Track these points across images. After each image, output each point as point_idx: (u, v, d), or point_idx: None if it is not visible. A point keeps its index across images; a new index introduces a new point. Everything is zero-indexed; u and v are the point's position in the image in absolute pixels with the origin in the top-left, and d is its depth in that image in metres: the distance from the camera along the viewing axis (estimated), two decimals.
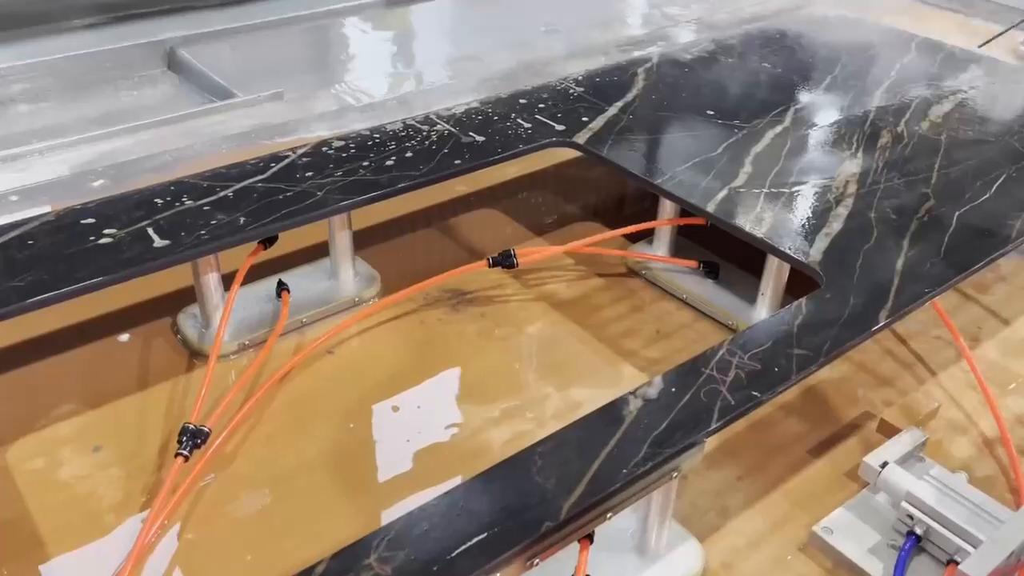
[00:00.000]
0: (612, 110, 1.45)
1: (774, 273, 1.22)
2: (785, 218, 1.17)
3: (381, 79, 2.07)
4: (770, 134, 1.39)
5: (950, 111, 1.51)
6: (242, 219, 1.12)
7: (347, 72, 2.21)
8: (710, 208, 1.19)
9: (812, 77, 1.62)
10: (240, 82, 2.02)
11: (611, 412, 0.85)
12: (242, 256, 1.16)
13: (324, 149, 1.30)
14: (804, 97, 1.54)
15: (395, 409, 1.12)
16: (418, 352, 1.21)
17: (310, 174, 1.23)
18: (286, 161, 1.26)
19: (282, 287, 1.25)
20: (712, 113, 1.45)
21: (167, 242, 1.06)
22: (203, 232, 1.08)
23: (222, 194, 1.17)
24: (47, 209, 1.14)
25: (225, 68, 2.14)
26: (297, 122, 1.82)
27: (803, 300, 1.01)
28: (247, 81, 2.02)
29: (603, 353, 1.22)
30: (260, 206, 1.15)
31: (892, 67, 1.67)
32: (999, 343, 1.28)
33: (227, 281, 1.17)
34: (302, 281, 1.29)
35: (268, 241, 1.18)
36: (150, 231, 1.08)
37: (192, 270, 1.15)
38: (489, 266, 1.29)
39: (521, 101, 1.47)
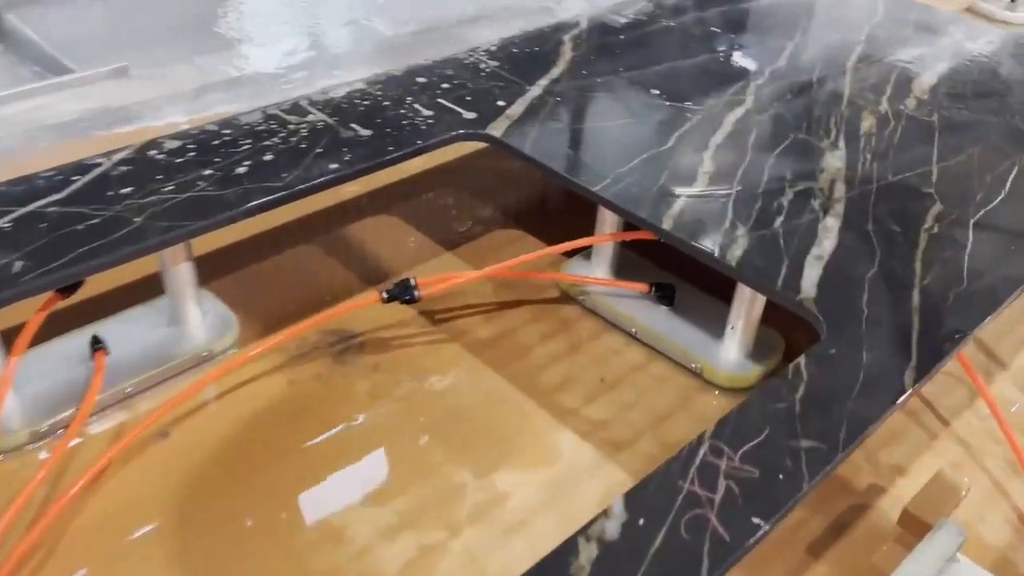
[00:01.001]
0: (534, 90, 1.15)
1: (747, 301, 0.95)
2: (763, 236, 0.90)
3: (258, 49, 1.72)
4: (731, 119, 1.12)
5: (935, 84, 1.26)
6: (18, 264, 0.79)
7: (217, 42, 1.84)
8: (666, 224, 0.91)
9: (773, 44, 1.35)
10: (84, 55, 1.64)
11: (553, 571, 0.57)
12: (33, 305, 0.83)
13: (152, 153, 0.97)
14: (766, 69, 1.27)
15: (249, 517, 0.81)
16: (287, 426, 0.91)
17: (128, 190, 0.90)
18: (96, 172, 0.92)
19: (97, 344, 0.92)
20: (658, 93, 1.17)
21: None
22: None
23: None
24: None
25: (65, 37, 1.75)
26: (143, 105, 1.46)
27: (802, 361, 0.75)
28: (94, 54, 1.64)
29: (535, 415, 0.94)
30: (48, 243, 0.82)
31: (861, 30, 1.41)
32: (1019, 376, 1.05)
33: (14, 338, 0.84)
34: (127, 332, 0.96)
35: (69, 288, 0.85)
36: None
37: None
38: (384, 301, 0.99)
39: (419, 80, 1.16)
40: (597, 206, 1.06)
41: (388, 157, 0.99)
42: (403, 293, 0.99)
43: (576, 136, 1.06)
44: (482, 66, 1.21)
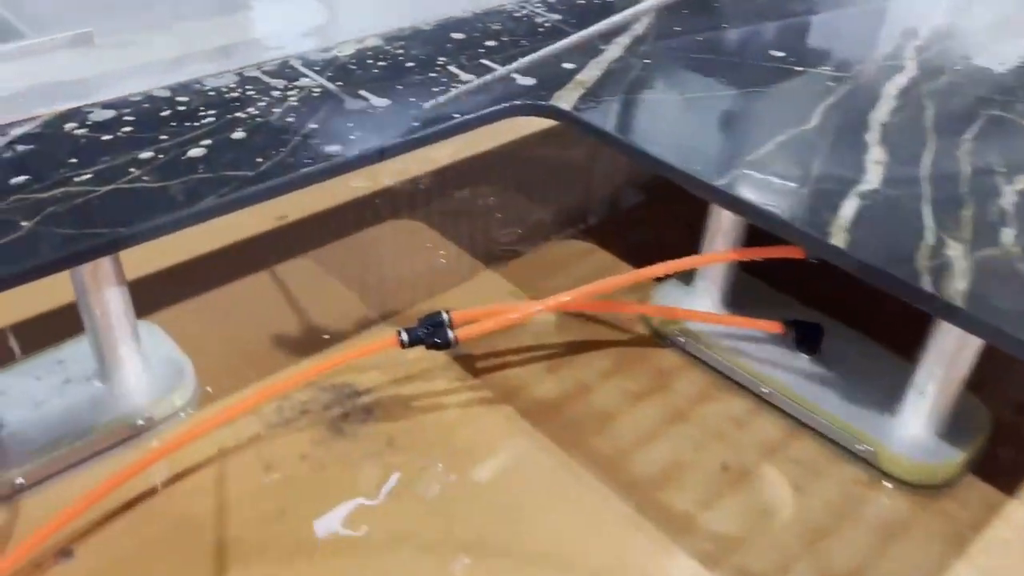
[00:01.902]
0: (611, 50, 0.84)
1: (949, 353, 0.64)
2: (991, 258, 0.58)
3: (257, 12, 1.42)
4: (890, 89, 0.80)
5: None
6: None
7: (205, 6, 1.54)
8: (836, 239, 0.59)
9: None
10: (48, 21, 1.35)
11: None
12: None
13: (68, 127, 0.66)
14: (922, 25, 0.94)
15: None
16: (256, 540, 0.60)
17: (20, 180, 0.59)
18: None
19: None
20: (782, 55, 0.85)
21: None
22: None
23: None
24: None
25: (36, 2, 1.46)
26: (106, 78, 1.16)
27: None
28: (61, 20, 1.35)
29: (628, 525, 0.62)
30: None
31: None
32: None
33: None
34: (22, 390, 0.66)
35: None
36: None
37: None
38: (403, 344, 0.68)
39: (455, 36, 0.85)
40: (708, 210, 0.74)
41: (412, 137, 0.68)
42: (432, 334, 0.68)
43: (679, 111, 0.75)
44: (539, 19, 0.90)
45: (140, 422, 0.65)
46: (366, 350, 0.69)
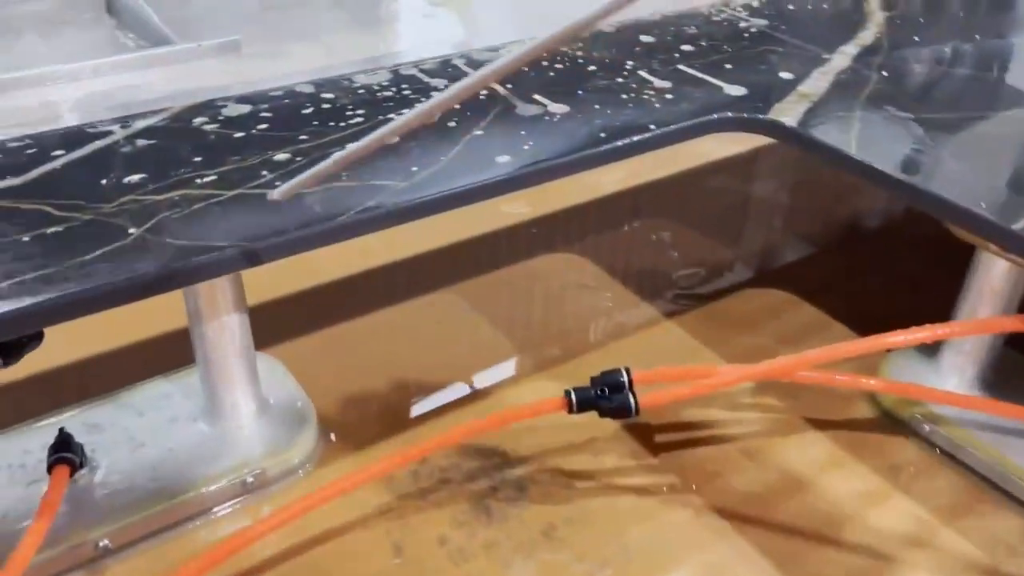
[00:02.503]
0: (837, 59, 0.68)
1: None
2: None
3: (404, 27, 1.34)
4: None
5: None
6: None
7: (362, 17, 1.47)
8: None
9: None
10: (200, 31, 1.32)
11: None
12: None
13: (197, 121, 0.56)
14: None
15: None
16: None
17: (136, 179, 0.49)
18: (94, 145, 0.53)
19: (61, 452, 0.51)
20: None
21: None
22: None
23: None
24: None
25: (189, 15, 1.44)
26: (248, 85, 1.09)
27: None
28: (213, 30, 1.31)
29: None
30: None
31: None
32: None
33: None
34: (118, 431, 0.55)
35: (8, 347, 0.45)
36: None
37: None
38: (572, 410, 0.54)
39: (644, 39, 0.72)
40: (972, 262, 0.57)
41: (599, 149, 0.55)
42: (607, 397, 0.54)
43: (938, 133, 0.58)
44: (742, 24, 0.75)
45: (250, 479, 0.54)
46: (525, 412, 0.55)
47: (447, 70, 0.65)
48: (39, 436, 0.55)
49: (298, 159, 0.52)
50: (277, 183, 0.50)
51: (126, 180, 0.49)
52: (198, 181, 0.50)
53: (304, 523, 0.52)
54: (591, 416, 0.57)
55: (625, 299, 0.74)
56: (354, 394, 0.62)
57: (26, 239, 0.44)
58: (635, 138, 0.56)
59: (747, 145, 0.97)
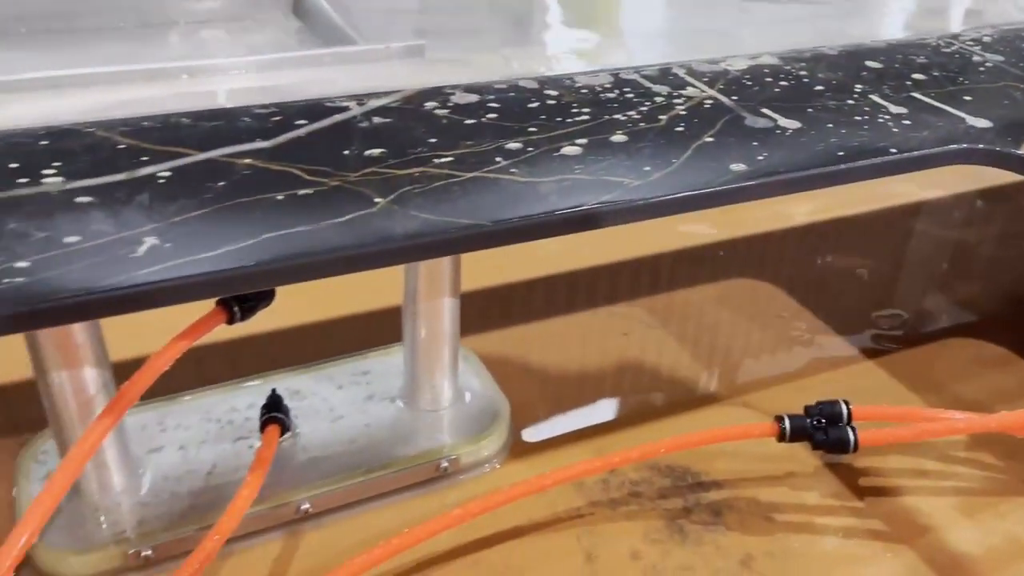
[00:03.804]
0: None
1: None
2: None
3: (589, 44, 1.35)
4: None
5: None
6: (149, 242, 0.40)
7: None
8: None
9: None
10: (382, 36, 1.37)
11: None
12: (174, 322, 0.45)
13: (428, 106, 0.57)
14: None
15: None
16: None
17: (376, 152, 0.50)
18: (333, 119, 0.54)
19: (273, 411, 0.52)
20: None
21: None
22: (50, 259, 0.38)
23: (148, 171, 0.46)
24: None
25: (373, 22, 1.50)
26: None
27: None
28: (395, 36, 1.36)
29: None
30: (216, 215, 0.43)
31: None
32: None
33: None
34: (321, 401, 0.56)
35: (240, 300, 0.46)
36: None
37: (28, 345, 0.44)
38: (783, 437, 0.51)
39: (870, 64, 0.69)
40: None
41: (841, 167, 0.52)
42: (824, 429, 0.51)
43: None
44: (975, 58, 0.71)
45: (445, 464, 0.53)
46: (734, 434, 0.52)
47: (668, 77, 0.64)
48: (245, 396, 0.56)
49: (529, 149, 0.52)
50: (513, 170, 0.50)
51: (367, 153, 0.50)
52: (436, 161, 0.50)
53: (494, 517, 0.51)
54: (789, 448, 0.54)
55: (820, 332, 0.70)
56: (543, 395, 0.61)
57: (280, 198, 0.45)
58: (877, 160, 0.53)
59: (949, 190, 0.92)
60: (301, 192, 0.46)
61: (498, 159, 0.51)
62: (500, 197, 0.47)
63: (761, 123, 0.57)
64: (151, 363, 0.43)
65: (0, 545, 0.40)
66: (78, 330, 0.44)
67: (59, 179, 0.45)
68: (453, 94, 0.59)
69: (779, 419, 0.52)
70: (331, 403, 0.56)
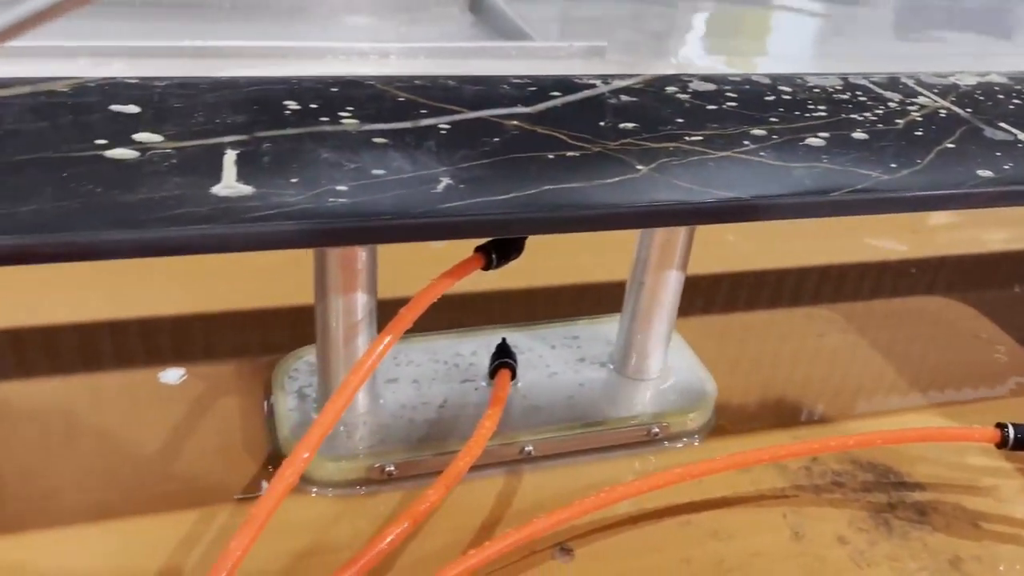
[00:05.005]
0: None
1: None
2: None
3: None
4: None
5: None
6: (444, 183, 0.44)
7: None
8: None
9: None
10: (558, 35, 1.42)
11: None
12: (428, 269, 0.49)
13: (668, 90, 0.60)
14: None
15: None
16: None
17: (630, 126, 0.53)
18: (583, 94, 0.58)
19: (503, 358, 0.56)
20: None
21: (247, 189, 0.42)
22: (347, 188, 0.42)
23: (429, 122, 0.51)
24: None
25: (548, 24, 1.55)
26: None
27: None
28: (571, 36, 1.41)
29: None
30: (497, 166, 0.47)
31: None
32: None
33: (391, 313, 0.50)
34: (541, 357, 0.60)
35: (498, 248, 0.50)
36: (230, 158, 0.44)
37: (316, 268, 0.49)
38: (1004, 444, 0.51)
39: None
40: None
41: None
42: None
43: None
44: None
45: (656, 430, 0.56)
46: (951, 435, 0.53)
47: (897, 86, 0.65)
48: (468, 344, 0.60)
49: (774, 137, 0.54)
50: (762, 153, 0.52)
51: (621, 126, 0.53)
52: (686, 139, 0.53)
53: (700, 485, 0.53)
54: (994, 459, 0.53)
55: (1018, 356, 0.69)
56: (741, 381, 0.63)
57: (551, 157, 0.49)
58: None
59: None
60: (568, 154, 0.49)
61: (746, 142, 0.53)
62: (755, 176, 0.49)
63: (1000, 136, 0.58)
64: (423, 293, 0.47)
65: (283, 456, 0.44)
66: (361, 256, 0.48)
67: (355, 121, 0.50)
68: (691, 82, 0.62)
69: (1001, 426, 0.52)
70: (546, 360, 0.60)
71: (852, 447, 0.54)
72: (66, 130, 0.46)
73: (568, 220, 0.44)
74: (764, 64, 1.31)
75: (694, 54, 1.38)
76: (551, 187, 0.45)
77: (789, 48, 1.40)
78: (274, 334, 0.64)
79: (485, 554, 0.45)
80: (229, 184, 0.42)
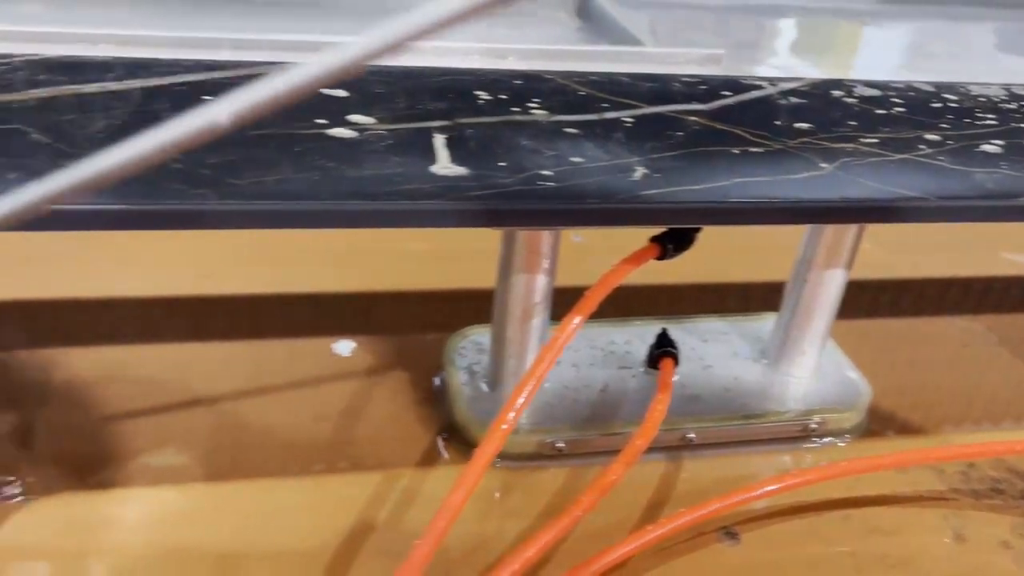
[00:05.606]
0: None
1: None
2: None
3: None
4: None
5: None
6: (639, 172, 0.46)
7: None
8: None
9: None
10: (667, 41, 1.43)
11: None
12: (599, 261, 0.51)
13: (834, 93, 0.61)
14: None
15: None
16: None
17: (804, 126, 0.54)
18: (753, 94, 0.59)
19: (665, 347, 0.58)
20: None
21: (462, 170, 0.44)
22: (550, 173, 0.45)
23: (612, 115, 0.53)
24: None
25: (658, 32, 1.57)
26: None
27: None
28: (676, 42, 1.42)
29: None
30: (679, 159, 0.49)
31: None
32: None
33: (566, 305, 0.52)
34: (696, 348, 0.61)
35: (673, 240, 0.51)
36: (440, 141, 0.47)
37: (503, 251, 0.52)
38: None
39: None
40: None
41: None
42: None
43: None
44: None
45: (813, 426, 0.57)
46: None
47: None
48: (622, 333, 0.62)
49: (948, 142, 0.54)
50: (939, 158, 0.52)
51: (796, 126, 0.55)
52: (862, 140, 0.54)
53: (857, 483, 0.54)
54: None
55: None
56: (892, 384, 0.63)
57: (735, 152, 0.50)
58: None
59: None
60: (752, 149, 0.51)
61: (921, 147, 0.54)
62: (936, 179, 0.49)
63: None
64: (605, 279, 0.49)
65: (458, 427, 0.46)
66: (545, 240, 0.51)
67: (544, 112, 0.52)
68: (855, 87, 0.63)
69: None
70: (699, 352, 0.61)
71: (1019, 452, 0.54)
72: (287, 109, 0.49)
73: (763, 211, 0.45)
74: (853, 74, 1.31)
75: (806, 61, 1.38)
76: (740, 180, 0.47)
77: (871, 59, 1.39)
78: (433, 315, 0.67)
79: (659, 532, 0.47)
80: (445, 165, 0.44)
